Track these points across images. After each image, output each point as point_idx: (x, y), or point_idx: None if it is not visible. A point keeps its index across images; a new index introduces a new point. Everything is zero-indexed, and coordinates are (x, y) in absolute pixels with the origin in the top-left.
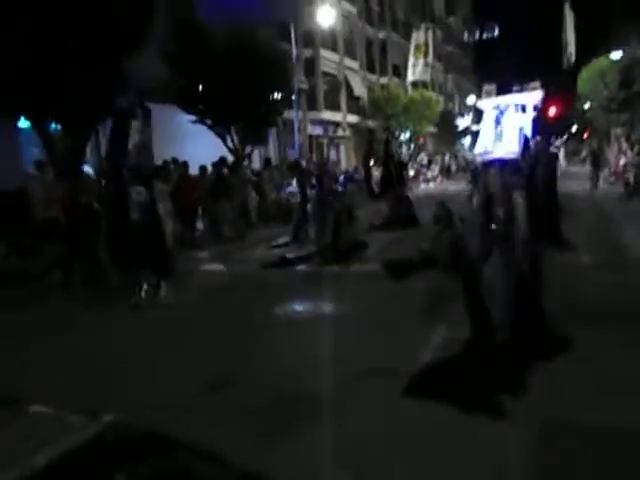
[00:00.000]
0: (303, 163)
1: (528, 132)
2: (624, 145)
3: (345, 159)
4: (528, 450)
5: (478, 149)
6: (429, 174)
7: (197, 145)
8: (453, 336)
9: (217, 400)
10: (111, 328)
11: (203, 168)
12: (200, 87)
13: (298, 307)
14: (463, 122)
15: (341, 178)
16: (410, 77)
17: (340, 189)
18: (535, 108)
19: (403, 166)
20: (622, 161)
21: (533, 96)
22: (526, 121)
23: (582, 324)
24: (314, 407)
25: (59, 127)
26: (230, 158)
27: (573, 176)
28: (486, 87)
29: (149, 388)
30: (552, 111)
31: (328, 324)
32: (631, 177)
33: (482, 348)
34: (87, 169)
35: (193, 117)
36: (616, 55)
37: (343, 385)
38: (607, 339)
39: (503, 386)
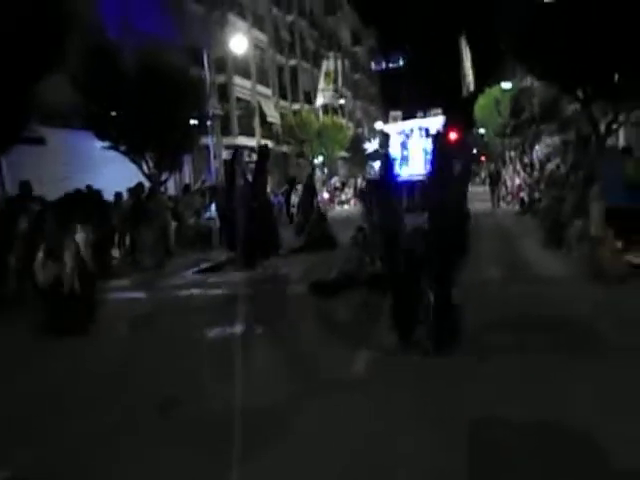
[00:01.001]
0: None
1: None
2: (518, 167)
3: None
4: None
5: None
6: (343, 197)
7: (112, 172)
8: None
9: (159, 419)
10: (40, 360)
11: (118, 195)
12: (113, 113)
13: (227, 329)
14: (371, 146)
15: None
16: (320, 100)
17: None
18: (437, 134)
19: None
20: (517, 181)
21: (435, 120)
22: (429, 144)
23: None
24: (260, 421)
25: None
26: (147, 184)
27: (474, 196)
28: (392, 113)
29: (92, 415)
30: (453, 136)
31: (258, 342)
32: (525, 196)
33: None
34: None
35: (107, 143)
36: (507, 85)
37: (282, 400)
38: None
39: None
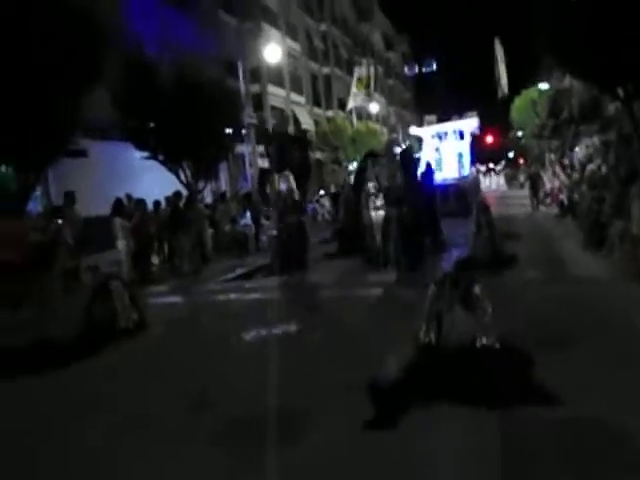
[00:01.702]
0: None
1: (467, 158)
2: (557, 169)
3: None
4: None
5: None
6: (378, 202)
7: (151, 181)
8: None
9: (192, 419)
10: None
11: (157, 203)
12: (151, 124)
13: (262, 331)
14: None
15: None
16: (351, 104)
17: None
18: (473, 136)
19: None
20: (556, 184)
21: (469, 122)
22: (464, 147)
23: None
24: (291, 422)
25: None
26: (184, 192)
27: (514, 198)
28: (427, 118)
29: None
30: (489, 139)
31: (291, 345)
32: (565, 198)
33: None
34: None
35: (145, 153)
36: (544, 86)
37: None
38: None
39: None
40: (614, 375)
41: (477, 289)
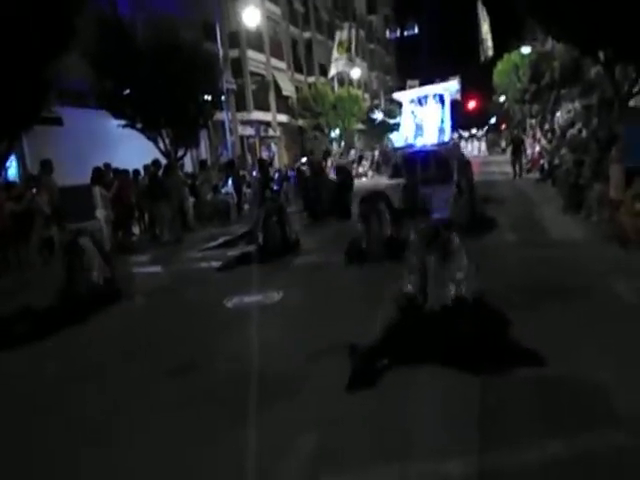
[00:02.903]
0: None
1: (448, 123)
2: (538, 134)
3: (278, 158)
4: None
5: (399, 142)
6: (360, 169)
7: (129, 149)
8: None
9: (179, 384)
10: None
11: (136, 172)
12: (127, 90)
13: (244, 298)
14: (378, 116)
15: (276, 177)
16: (333, 70)
17: (276, 188)
18: (454, 102)
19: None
20: (537, 149)
21: (449, 85)
22: (445, 112)
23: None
24: (274, 385)
25: None
26: (163, 161)
27: (495, 164)
28: (409, 82)
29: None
30: (471, 104)
31: (273, 311)
32: (545, 163)
33: None
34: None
35: (123, 121)
36: (526, 50)
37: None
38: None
39: None
40: (588, 332)
41: (455, 243)
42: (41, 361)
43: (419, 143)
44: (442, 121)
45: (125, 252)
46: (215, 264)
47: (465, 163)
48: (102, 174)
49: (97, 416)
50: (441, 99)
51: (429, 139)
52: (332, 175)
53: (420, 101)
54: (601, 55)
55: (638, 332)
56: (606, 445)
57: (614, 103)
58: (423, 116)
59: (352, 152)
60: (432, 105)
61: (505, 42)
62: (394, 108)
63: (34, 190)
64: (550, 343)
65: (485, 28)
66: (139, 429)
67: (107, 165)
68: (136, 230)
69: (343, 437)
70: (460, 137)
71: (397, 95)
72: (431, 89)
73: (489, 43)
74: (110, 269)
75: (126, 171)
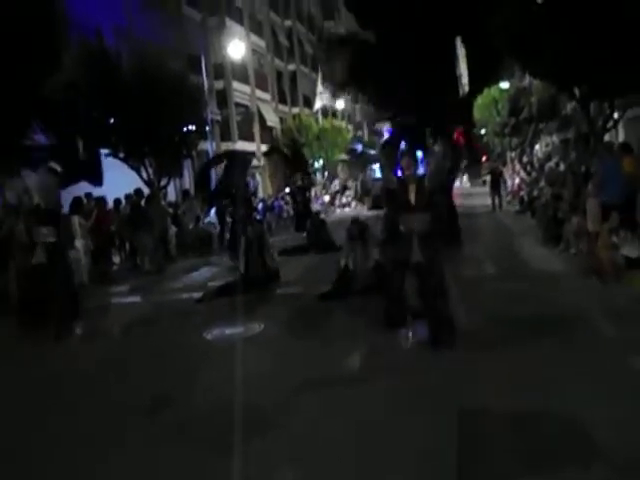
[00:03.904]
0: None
1: None
2: (517, 166)
3: (262, 188)
4: None
5: (378, 174)
6: (344, 199)
7: (112, 178)
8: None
9: (156, 420)
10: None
11: (117, 201)
12: (112, 120)
13: (225, 330)
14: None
15: (259, 206)
16: (318, 104)
17: (259, 217)
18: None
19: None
20: (517, 181)
21: None
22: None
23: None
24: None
25: None
26: (146, 190)
27: (476, 196)
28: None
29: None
30: (461, 140)
31: (254, 343)
32: (525, 195)
33: None
34: None
35: (106, 150)
36: (505, 85)
37: (275, 399)
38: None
39: None
40: (565, 365)
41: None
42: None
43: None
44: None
45: (104, 282)
46: (196, 295)
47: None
48: (81, 203)
49: (63, 452)
50: None
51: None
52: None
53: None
54: (576, 91)
55: (615, 365)
56: None
57: (589, 138)
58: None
59: (335, 182)
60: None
61: (483, 77)
62: (376, 139)
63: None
64: (527, 376)
65: (463, 64)
66: (109, 466)
67: (88, 195)
68: (116, 259)
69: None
70: None
71: (378, 125)
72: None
73: (466, 80)
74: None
75: (103, 199)
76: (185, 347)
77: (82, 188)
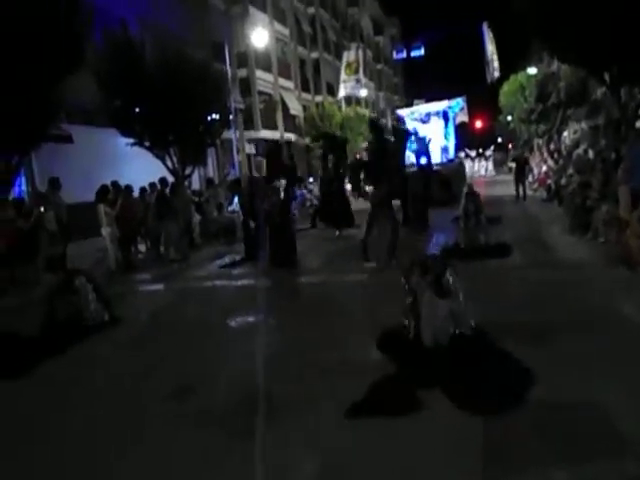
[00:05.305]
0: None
1: (452, 142)
2: (545, 154)
3: None
4: None
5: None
6: (367, 188)
7: (137, 167)
8: None
9: (178, 404)
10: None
11: (143, 190)
12: (136, 109)
13: (248, 317)
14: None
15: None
16: (342, 92)
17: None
18: (462, 123)
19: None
20: (544, 169)
21: (452, 103)
22: (449, 129)
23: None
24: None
25: None
26: (170, 179)
27: (501, 184)
28: (416, 102)
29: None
30: (478, 124)
31: (277, 330)
32: (552, 183)
33: None
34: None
35: (131, 139)
36: (532, 70)
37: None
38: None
39: None
40: (597, 358)
41: (448, 275)
42: (35, 385)
43: (423, 162)
44: (446, 138)
45: (130, 270)
46: (219, 283)
47: (473, 193)
48: (107, 192)
49: (90, 436)
50: (445, 116)
51: (432, 158)
52: None
53: (422, 120)
54: (607, 76)
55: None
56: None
57: (621, 124)
58: (426, 134)
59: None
60: (435, 123)
61: (511, 63)
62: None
63: (42, 208)
64: (557, 366)
65: (490, 49)
66: (135, 453)
67: (114, 183)
68: (142, 248)
69: (346, 460)
70: (467, 156)
71: (400, 112)
72: (434, 106)
73: (495, 64)
74: (107, 310)
75: (129, 187)
76: (209, 333)
77: (108, 175)
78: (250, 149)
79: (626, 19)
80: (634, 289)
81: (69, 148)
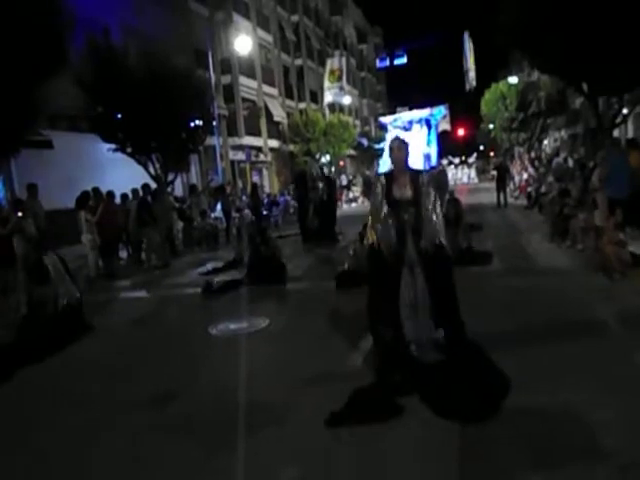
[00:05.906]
0: (227, 189)
1: (434, 148)
2: (525, 162)
3: (268, 183)
4: None
5: (383, 167)
6: (351, 195)
7: (119, 174)
8: None
9: (156, 413)
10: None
11: (124, 196)
12: (118, 115)
13: (230, 325)
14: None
15: (265, 201)
16: (326, 100)
17: (265, 212)
18: (444, 132)
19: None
20: (525, 176)
21: (434, 111)
22: (432, 136)
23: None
24: (254, 414)
25: None
26: (153, 185)
27: (484, 191)
28: (399, 110)
29: (86, 408)
30: (460, 132)
31: (259, 338)
32: (532, 190)
33: None
34: None
35: (113, 145)
36: (513, 80)
37: (281, 393)
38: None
39: None
40: (573, 362)
41: None
42: (16, 389)
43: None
44: (428, 145)
45: (111, 277)
46: (201, 290)
47: (454, 199)
48: (88, 198)
49: (68, 446)
50: (427, 123)
51: (414, 165)
52: None
53: (405, 127)
54: (584, 86)
55: (622, 363)
56: None
57: (597, 133)
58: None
59: (342, 177)
60: (417, 130)
61: (492, 72)
62: (382, 133)
63: (20, 214)
64: (536, 373)
65: (470, 59)
66: (114, 460)
67: (95, 189)
68: (124, 254)
69: (325, 469)
70: (450, 163)
71: (383, 119)
72: (417, 114)
73: (473, 74)
74: (78, 291)
75: (111, 194)
76: (189, 341)
77: (90, 182)
78: (234, 155)
79: (601, 31)
80: (611, 296)
81: (49, 154)
